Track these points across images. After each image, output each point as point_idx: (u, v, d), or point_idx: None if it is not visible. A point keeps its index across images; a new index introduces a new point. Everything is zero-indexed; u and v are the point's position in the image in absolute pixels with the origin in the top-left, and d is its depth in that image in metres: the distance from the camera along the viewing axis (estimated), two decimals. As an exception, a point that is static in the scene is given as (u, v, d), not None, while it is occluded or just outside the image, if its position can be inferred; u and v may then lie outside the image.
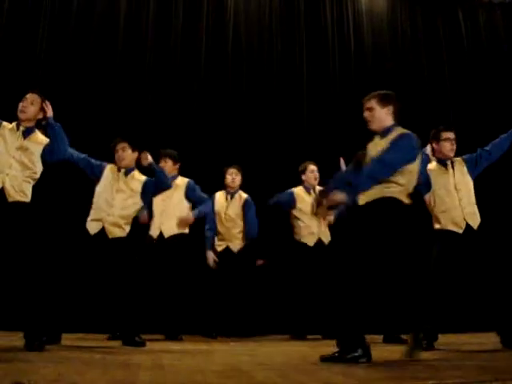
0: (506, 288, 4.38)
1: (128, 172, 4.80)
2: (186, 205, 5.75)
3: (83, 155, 4.82)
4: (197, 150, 6.82)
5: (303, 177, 6.10)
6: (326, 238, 6.01)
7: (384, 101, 3.78)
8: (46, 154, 4.13)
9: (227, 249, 6.05)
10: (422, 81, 8.21)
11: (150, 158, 4.86)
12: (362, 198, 3.54)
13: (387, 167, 3.44)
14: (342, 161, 5.27)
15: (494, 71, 8.35)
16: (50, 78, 6.78)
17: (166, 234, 5.62)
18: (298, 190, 6.10)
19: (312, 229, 5.97)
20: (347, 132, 7.49)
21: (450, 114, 7.92)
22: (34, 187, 4.09)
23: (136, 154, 4.87)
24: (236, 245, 6.07)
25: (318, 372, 2.83)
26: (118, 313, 4.71)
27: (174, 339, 5.42)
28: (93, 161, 4.81)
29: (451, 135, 4.66)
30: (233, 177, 6.11)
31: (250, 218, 6.06)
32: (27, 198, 4.00)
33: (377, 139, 3.75)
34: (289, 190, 6.12)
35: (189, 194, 5.74)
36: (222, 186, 6.20)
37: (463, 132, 7.71)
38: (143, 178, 4.86)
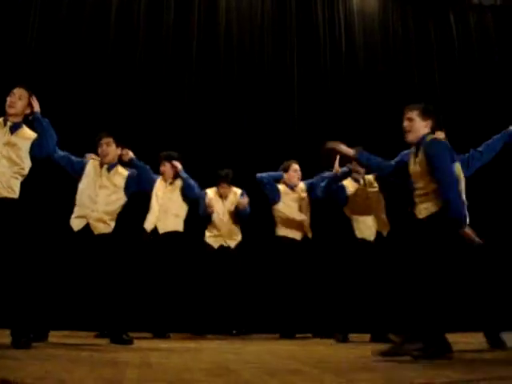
0: (490, 289, 4.40)
1: (111, 167, 4.77)
2: (185, 205, 5.80)
3: (63, 153, 4.78)
4: (186, 147, 6.79)
5: (286, 175, 6.11)
6: (309, 232, 6.02)
7: (425, 115, 4.04)
8: (35, 150, 4.10)
9: (221, 246, 6.07)
10: (412, 81, 8.23)
11: (130, 154, 4.84)
12: (422, 212, 3.75)
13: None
14: (337, 159, 5.35)
15: (484, 73, 8.39)
16: (39, 72, 6.79)
17: (161, 231, 5.63)
18: (282, 187, 6.11)
19: (295, 223, 5.99)
20: (338, 130, 7.50)
21: (439, 115, 7.93)
22: (21, 183, 4.06)
23: (119, 150, 4.85)
24: (233, 241, 6.10)
25: (307, 371, 2.83)
26: (105, 310, 4.67)
27: (162, 337, 5.41)
28: (73, 158, 4.78)
29: (441, 134, 4.68)
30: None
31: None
32: (15, 195, 3.97)
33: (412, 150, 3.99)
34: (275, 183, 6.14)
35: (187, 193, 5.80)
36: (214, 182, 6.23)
37: (453, 133, 7.76)
38: (126, 172, 4.83)
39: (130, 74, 7.24)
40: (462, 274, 4.40)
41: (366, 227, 5.37)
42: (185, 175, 5.79)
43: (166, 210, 5.72)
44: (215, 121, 7.33)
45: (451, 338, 3.64)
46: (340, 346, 4.87)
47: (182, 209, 5.79)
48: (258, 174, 6.12)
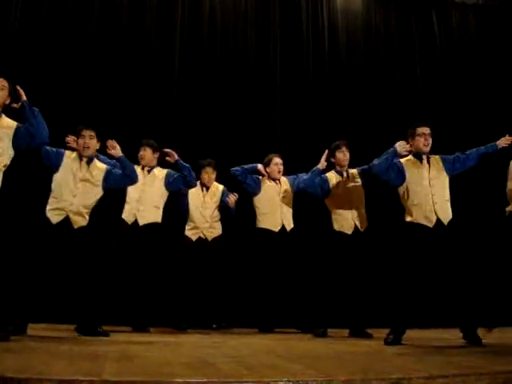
0: (468, 284, 4.46)
1: (90, 161, 4.75)
2: (164, 195, 5.74)
3: None
4: (167, 140, 6.77)
5: (267, 169, 6.13)
6: (289, 224, 6.04)
7: None
8: (25, 139, 4.05)
9: (200, 238, 6.07)
10: (394, 79, 8.27)
11: (118, 149, 4.84)
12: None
13: None
14: (325, 153, 5.38)
15: (465, 71, 8.46)
16: (22, 63, 6.69)
17: (141, 222, 5.58)
18: (264, 180, 6.14)
19: (275, 215, 6.02)
20: (320, 126, 7.55)
21: (422, 113, 8.00)
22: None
23: (99, 145, 4.85)
24: (211, 233, 6.10)
25: (285, 365, 2.85)
26: (80, 303, 4.64)
27: (142, 331, 5.40)
28: (49, 148, 4.67)
29: (426, 130, 4.75)
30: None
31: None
32: None
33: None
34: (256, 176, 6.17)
35: (169, 183, 5.72)
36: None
37: (435, 130, 7.83)
38: (104, 166, 4.82)
39: (112, 64, 7.18)
40: (442, 269, 4.46)
41: (345, 220, 5.42)
42: (185, 165, 5.64)
43: (145, 199, 5.62)
44: (197, 114, 7.31)
45: (430, 333, 3.70)
46: (319, 340, 4.90)
47: (162, 200, 5.71)
48: (232, 169, 6.15)
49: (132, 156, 5.40)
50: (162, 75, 7.36)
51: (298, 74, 7.95)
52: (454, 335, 4.73)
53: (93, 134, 4.74)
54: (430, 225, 4.51)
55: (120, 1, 7.46)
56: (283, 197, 6.05)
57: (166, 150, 5.62)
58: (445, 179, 4.68)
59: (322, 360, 3.15)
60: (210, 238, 6.08)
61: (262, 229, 6.01)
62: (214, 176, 6.20)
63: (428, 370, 2.68)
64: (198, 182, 6.15)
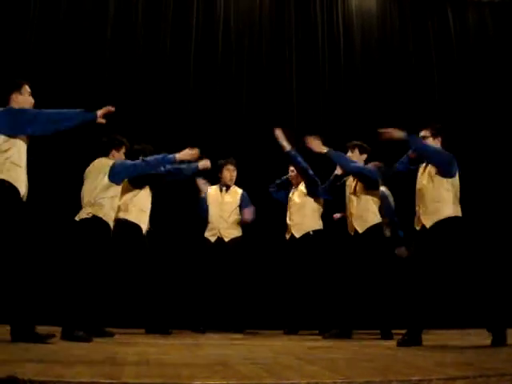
0: (496, 286, 4.42)
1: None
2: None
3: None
4: (184, 142, 6.79)
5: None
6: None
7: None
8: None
9: (219, 239, 6.05)
10: (410, 79, 8.22)
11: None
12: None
13: None
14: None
15: (482, 70, 8.38)
16: (38, 68, 6.76)
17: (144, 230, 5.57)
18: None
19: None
20: (336, 127, 7.52)
21: (438, 113, 7.94)
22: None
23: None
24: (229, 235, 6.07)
25: (304, 367, 2.84)
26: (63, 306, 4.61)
27: (161, 333, 5.41)
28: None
29: (424, 133, 4.74)
30: None
31: None
32: None
33: None
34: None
35: None
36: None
37: (452, 129, 7.78)
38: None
39: (129, 68, 7.25)
40: (465, 271, 4.41)
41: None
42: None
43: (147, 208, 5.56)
44: (213, 117, 7.32)
45: (450, 334, 3.66)
46: (336, 341, 4.88)
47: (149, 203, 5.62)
48: (270, 190, 6.31)
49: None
50: (177, 78, 7.38)
51: (314, 75, 7.93)
52: (474, 336, 4.68)
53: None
54: (418, 228, 4.58)
55: (135, 6, 7.49)
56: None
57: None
58: (438, 181, 4.57)
59: (340, 362, 3.13)
60: (227, 239, 6.02)
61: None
62: (235, 174, 6.19)
63: (448, 371, 2.65)
64: (217, 186, 6.19)
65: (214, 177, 6.23)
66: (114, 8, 7.43)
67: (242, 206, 6.08)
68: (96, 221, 4.61)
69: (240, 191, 6.20)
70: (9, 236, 3.91)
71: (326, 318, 5.78)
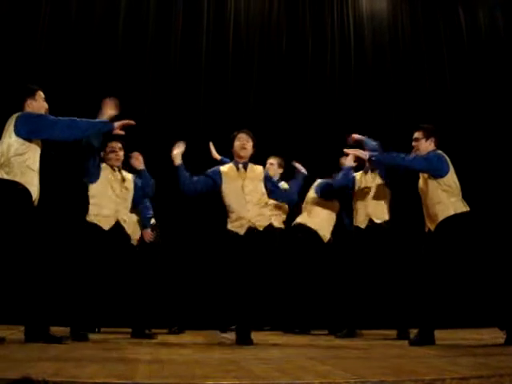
0: (508, 284, 4.40)
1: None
2: None
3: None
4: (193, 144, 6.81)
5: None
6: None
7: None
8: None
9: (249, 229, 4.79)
10: (423, 79, 8.19)
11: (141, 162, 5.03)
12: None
13: None
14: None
15: (494, 69, 8.33)
16: (48, 72, 6.78)
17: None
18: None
19: None
20: (348, 128, 7.46)
21: (450, 114, 7.91)
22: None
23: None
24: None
25: (317, 367, 2.84)
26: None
27: (174, 333, 5.43)
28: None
29: (417, 135, 4.74)
30: None
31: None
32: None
33: None
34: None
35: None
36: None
37: (465, 130, 7.76)
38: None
39: (140, 69, 7.28)
40: (475, 270, 4.39)
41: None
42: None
43: None
44: (224, 118, 7.32)
45: (463, 333, 3.65)
46: (348, 341, 4.88)
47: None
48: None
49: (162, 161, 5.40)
50: (188, 78, 7.39)
51: (324, 76, 7.92)
52: (487, 335, 4.66)
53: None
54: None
55: (147, 8, 7.51)
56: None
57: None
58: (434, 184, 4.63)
59: (353, 361, 3.13)
60: (260, 228, 4.63)
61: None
62: (250, 146, 4.76)
63: (462, 370, 2.64)
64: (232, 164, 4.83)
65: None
66: (125, 11, 7.44)
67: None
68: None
69: (261, 168, 4.94)
70: (20, 238, 3.94)
71: (337, 318, 5.76)
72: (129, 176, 4.97)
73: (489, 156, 7.76)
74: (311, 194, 6.08)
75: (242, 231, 4.52)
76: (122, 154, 4.91)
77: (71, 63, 6.98)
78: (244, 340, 4.26)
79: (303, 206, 6.11)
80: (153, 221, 5.52)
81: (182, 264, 6.37)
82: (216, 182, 4.65)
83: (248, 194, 4.59)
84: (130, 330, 4.84)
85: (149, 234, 5.40)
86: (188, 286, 6.33)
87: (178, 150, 4.62)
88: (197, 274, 6.45)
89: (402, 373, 2.56)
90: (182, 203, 6.58)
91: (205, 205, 6.53)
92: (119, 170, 4.89)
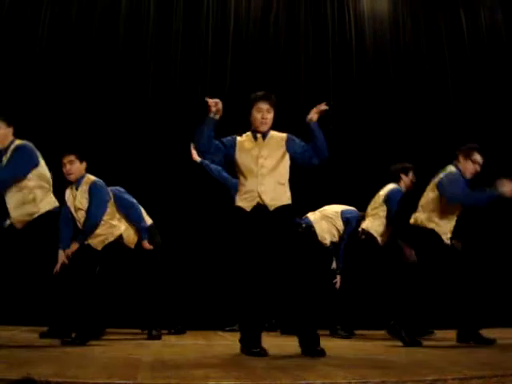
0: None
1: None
2: None
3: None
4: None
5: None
6: None
7: None
8: None
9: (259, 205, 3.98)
10: (424, 81, 8.17)
11: None
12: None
13: None
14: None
15: (496, 70, 8.31)
16: (48, 77, 6.81)
17: None
18: None
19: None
20: (349, 131, 7.49)
21: (452, 115, 7.91)
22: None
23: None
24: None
25: (317, 366, 2.84)
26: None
27: (177, 333, 5.43)
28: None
29: (481, 159, 4.88)
30: None
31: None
32: None
33: None
34: None
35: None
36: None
37: (465, 130, 7.74)
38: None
39: (141, 73, 7.28)
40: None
41: None
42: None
43: None
44: (230, 119, 7.30)
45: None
46: (348, 341, 4.88)
47: None
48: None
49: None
50: (188, 78, 7.39)
51: (325, 77, 7.91)
52: (488, 335, 4.66)
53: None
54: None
55: (147, 10, 7.51)
56: None
57: None
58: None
59: (354, 361, 3.13)
60: (271, 207, 3.78)
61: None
62: (271, 117, 4.14)
63: (463, 370, 2.64)
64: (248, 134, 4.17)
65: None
66: (126, 14, 7.44)
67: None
68: None
69: (284, 136, 4.38)
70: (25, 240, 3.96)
71: (337, 318, 5.76)
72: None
73: (489, 156, 7.74)
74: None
75: (249, 207, 3.73)
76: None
77: (71, 63, 7.00)
78: (313, 350, 3.40)
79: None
80: (150, 222, 5.45)
81: (181, 264, 6.36)
82: (228, 150, 3.98)
83: (263, 167, 3.85)
84: (130, 330, 4.84)
85: (147, 245, 5.30)
86: (188, 286, 6.33)
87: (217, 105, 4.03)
88: (197, 275, 6.45)
89: (404, 373, 2.56)
90: (182, 203, 6.61)
91: (205, 205, 6.56)
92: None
